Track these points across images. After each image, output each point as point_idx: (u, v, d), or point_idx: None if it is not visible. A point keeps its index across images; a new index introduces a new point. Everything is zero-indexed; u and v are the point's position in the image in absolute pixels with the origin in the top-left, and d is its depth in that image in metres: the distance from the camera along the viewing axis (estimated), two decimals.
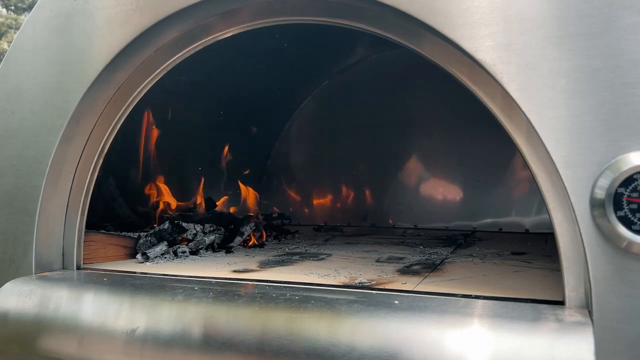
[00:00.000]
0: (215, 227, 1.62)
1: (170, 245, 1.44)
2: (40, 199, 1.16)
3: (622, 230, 0.74)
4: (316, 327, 0.81)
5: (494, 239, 1.82)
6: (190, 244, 1.48)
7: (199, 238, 1.51)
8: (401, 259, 1.36)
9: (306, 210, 2.41)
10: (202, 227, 1.57)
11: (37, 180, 1.17)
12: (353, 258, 1.38)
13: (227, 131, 2.15)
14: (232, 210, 2.09)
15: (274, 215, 2.14)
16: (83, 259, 1.24)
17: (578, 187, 0.77)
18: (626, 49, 0.76)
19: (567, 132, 0.78)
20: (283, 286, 0.99)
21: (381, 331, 0.78)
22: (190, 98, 1.88)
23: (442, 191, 2.19)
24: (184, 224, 1.54)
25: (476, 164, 2.13)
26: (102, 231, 1.40)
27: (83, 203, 1.24)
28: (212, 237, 1.54)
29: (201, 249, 1.50)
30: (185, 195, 1.94)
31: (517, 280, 1.06)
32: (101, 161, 1.24)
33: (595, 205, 0.76)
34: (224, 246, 1.58)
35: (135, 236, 1.45)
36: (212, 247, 1.54)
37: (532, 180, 0.83)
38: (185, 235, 1.50)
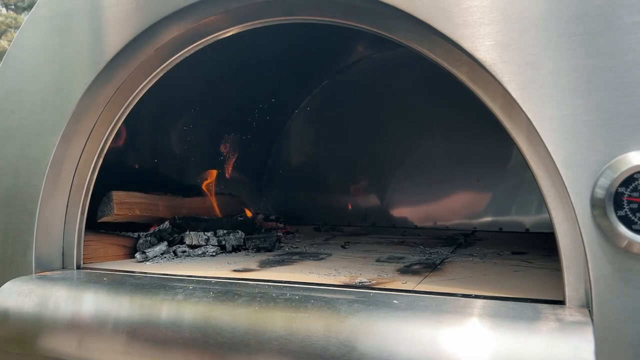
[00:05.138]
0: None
1: (170, 245, 1.43)
2: (40, 199, 1.16)
3: (623, 229, 0.74)
4: (316, 326, 0.81)
5: (494, 239, 1.82)
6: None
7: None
8: (401, 258, 1.36)
9: (306, 209, 2.41)
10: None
11: (37, 179, 1.17)
12: (353, 258, 1.38)
13: (227, 131, 2.14)
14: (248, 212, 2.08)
15: (271, 218, 2.14)
16: (83, 259, 1.24)
17: (578, 186, 0.77)
18: (627, 48, 0.76)
19: (567, 131, 0.78)
20: (283, 286, 0.99)
21: (381, 331, 0.78)
22: (189, 98, 1.88)
23: (442, 191, 2.19)
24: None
25: (476, 164, 2.13)
26: (102, 231, 1.40)
27: (83, 203, 1.24)
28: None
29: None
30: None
31: (518, 280, 1.06)
32: (101, 161, 1.24)
33: (596, 204, 0.76)
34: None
35: (135, 236, 1.45)
36: None
37: (533, 179, 0.83)
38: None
